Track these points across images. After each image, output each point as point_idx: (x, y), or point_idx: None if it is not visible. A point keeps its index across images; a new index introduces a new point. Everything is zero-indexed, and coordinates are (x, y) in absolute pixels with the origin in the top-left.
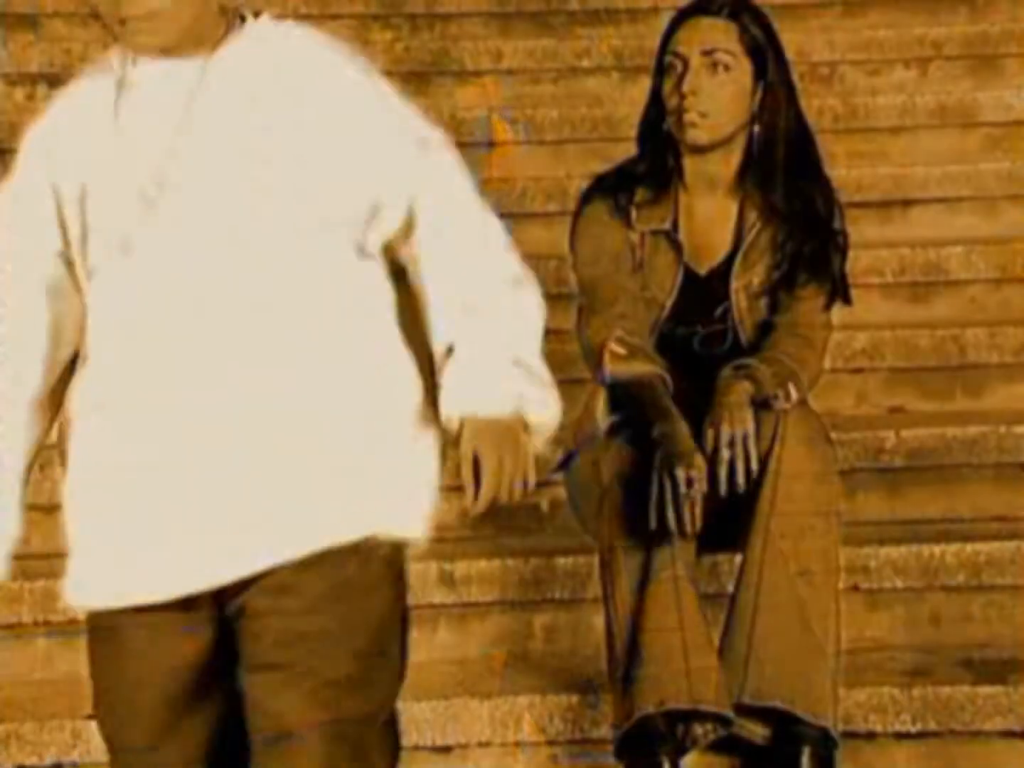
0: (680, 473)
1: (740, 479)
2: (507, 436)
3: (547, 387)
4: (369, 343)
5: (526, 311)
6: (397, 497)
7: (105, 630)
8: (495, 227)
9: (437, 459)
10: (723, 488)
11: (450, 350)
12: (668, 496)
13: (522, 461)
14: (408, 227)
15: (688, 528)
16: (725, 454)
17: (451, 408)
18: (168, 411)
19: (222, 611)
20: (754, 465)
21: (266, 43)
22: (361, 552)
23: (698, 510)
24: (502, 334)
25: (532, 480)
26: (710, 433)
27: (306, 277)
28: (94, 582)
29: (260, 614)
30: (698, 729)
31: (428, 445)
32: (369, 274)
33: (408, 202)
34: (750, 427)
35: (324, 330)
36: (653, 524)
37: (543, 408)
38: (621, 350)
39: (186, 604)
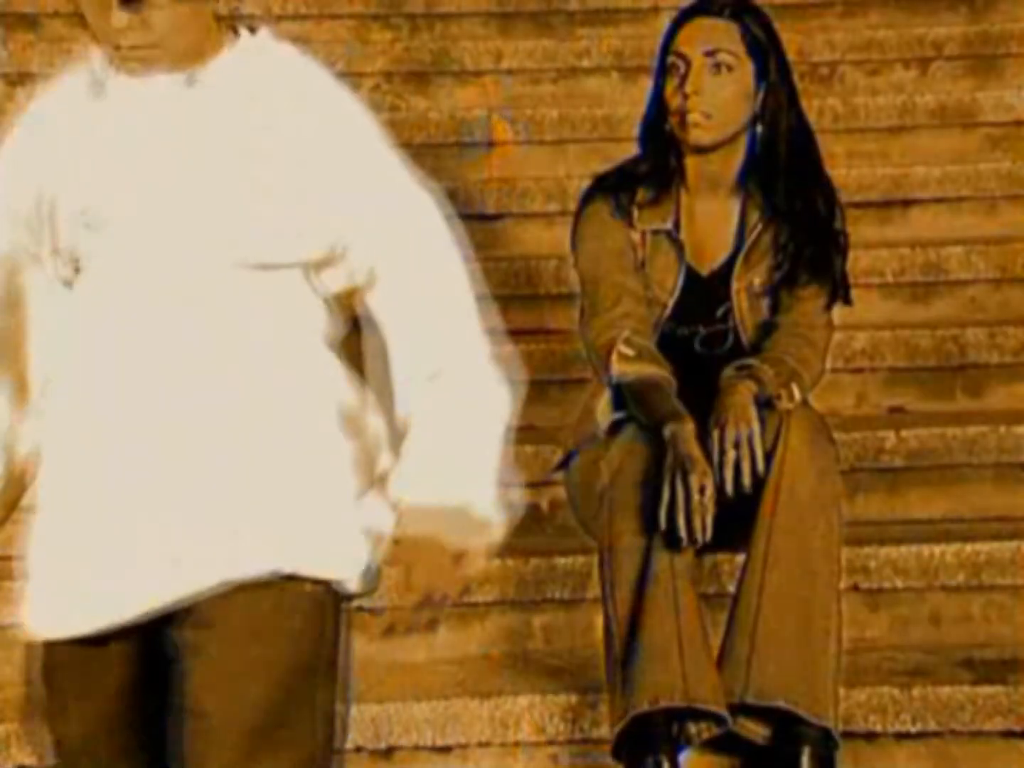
0: (694, 480)
1: (746, 480)
2: (443, 539)
3: (498, 484)
4: (307, 382)
5: (488, 400)
6: (321, 537)
7: (42, 662)
8: (466, 301)
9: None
10: (730, 488)
11: (408, 425)
12: (680, 503)
13: (453, 568)
14: (370, 281)
15: (699, 536)
16: (731, 455)
17: (396, 492)
18: (92, 442)
19: (157, 649)
20: (760, 465)
21: (259, 60)
22: (281, 590)
23: (709, 519)
24: (458, 425)
25: (471, 574)
26: (716, 434)
27: (253, 311)
28: (28, 612)
29: (184, 653)
30: (693, 728)
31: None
32: (316, 313)
33: (373, 255)
34: (755, 427)
35: (263, 365)
36: (663, 526)
37: (490, 506)
38: (629, 351)
39: (116, 638)
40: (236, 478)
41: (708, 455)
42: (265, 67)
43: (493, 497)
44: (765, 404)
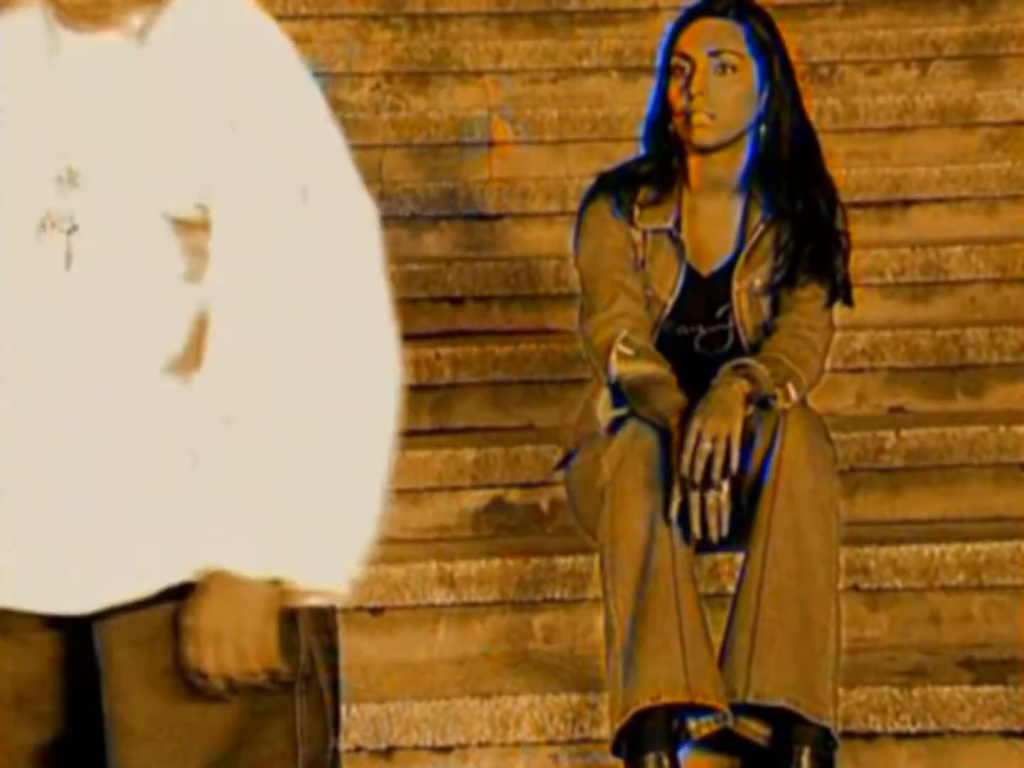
0: (713, 476)
1: (716, 475)
2: (244, 623)
3: (341, 538)
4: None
5: (348, 434)
6: (247, 540)
7: None
8: (374, 313)
9: None
10: (698, 478)
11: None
12: (694, 502)
13: (256, 653)
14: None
15: (714, 535)
16: (707, 447)
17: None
18: (24, 428)
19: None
20: (733, 464)
21: (212, 13)
22: None
23: (725, 516)
24: (263, 488)
25: (272, 662)
26: (696, 423)
27: (184, 284)
28: None
29: (124, 670)
30: (692, 723)
31: None
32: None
33: (257, 232)
34: (737, 427)
35: (186, 348)
36: (675, 523)
37: (320, 569)
38: (628, 350)
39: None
40: (162, 479)
41: (683, 441)
42: (217, 21)
43: (319, 554)
44: (761, 404)
